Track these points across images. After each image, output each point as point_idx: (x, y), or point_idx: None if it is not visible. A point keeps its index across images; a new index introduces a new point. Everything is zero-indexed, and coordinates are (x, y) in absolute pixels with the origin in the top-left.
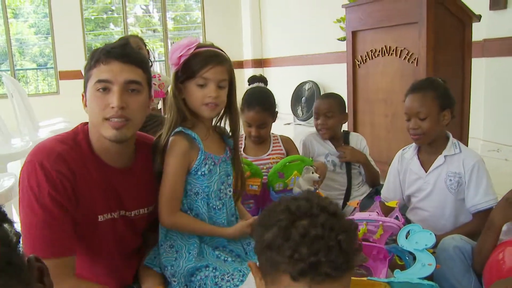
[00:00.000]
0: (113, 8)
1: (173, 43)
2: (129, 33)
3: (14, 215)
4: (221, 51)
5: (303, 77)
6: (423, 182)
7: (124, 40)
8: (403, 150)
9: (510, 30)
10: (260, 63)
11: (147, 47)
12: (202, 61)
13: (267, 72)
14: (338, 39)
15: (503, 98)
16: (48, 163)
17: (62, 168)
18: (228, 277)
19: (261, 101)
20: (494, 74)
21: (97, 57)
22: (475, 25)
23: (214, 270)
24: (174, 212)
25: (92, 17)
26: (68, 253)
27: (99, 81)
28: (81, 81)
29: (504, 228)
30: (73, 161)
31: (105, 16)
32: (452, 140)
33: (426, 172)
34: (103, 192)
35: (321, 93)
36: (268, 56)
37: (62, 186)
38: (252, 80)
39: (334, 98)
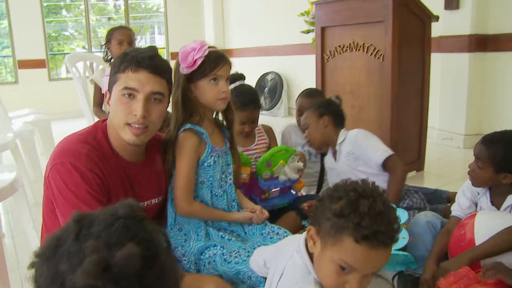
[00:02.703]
0: None
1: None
2: (90, 21)
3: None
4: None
5: (265, 68)
6: (338, 172)
7: (153, 50)
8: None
9: (462, 28)
10: None
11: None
12: (214, 61)
13: None
14: (302, 32)
15: (456, 91)
16: (80, 164)
17: (94, 167)
18: (235, 254)
19: (254, 100)
20: (448, 68)
21: (127, 63)
22: (433, 23)
23: (221, 249)
24: (191, 202)
25: (44, 4)
26: None
27: (126, 88)
28: (42, 70)
29: (467, 203)
30: (99, 160)
31: (62, 3)
32: (341, 132)
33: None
34: (123, 185)
35: (284, 84)
36: (230, 47)
37: (96, 184)
38: (233, 78)
39: (317, 97)
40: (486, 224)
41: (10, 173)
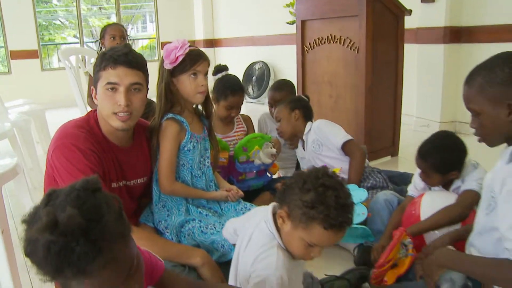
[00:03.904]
0: None
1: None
2: (82, 11)
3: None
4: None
5: (253, 57)
6: (307, 160)
7: (128, 47)
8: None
9: (438, 20)
10: (211, 43)
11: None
12: (194, 58)
13: (219, 52)
14: (288, 23)
15: (432, 80)
16: (80, 143)
17: (91, 146)
18: (211, 226)
19: (241, 86)
20: (425, 58)
21: (106, 62)
22: (411, 15)
23: (199, 222)
24: (172, 181)
25: None
26: None
27: (109, 83)
28: (35, 60)
29: (421, 185)
30: (94, 142)
31: None
32: (308, 125)
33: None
34: (113, 166)
35: (271, 73)
36: (219, 37)
37: (94, 159)
38: (218, 70)
39: (286, 89)
40: (431, 203)
41: (11, 158)
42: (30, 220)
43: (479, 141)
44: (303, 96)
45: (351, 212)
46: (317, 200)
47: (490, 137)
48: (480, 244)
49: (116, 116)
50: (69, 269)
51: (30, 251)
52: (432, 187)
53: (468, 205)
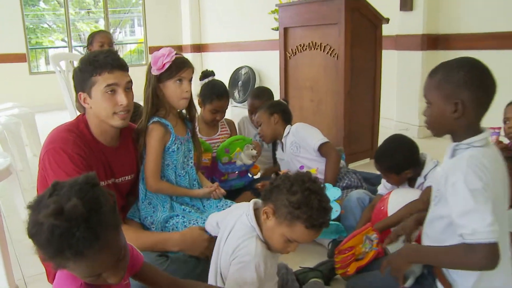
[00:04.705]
0: None
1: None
2: (70, 14)
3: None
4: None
5: (239, 62)
6: (286, 161)
7: (115, 52)
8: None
9: (416, 28)
10: (198, 48)
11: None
12: (179, 65)
13: (205, 57)
14: (272, 29)
15: (411, 85)
16: (68, 148)
17: (79, 151)
18: (193, 221)
19: (227, 91)
20: (404, 64)
21: (101, 68)
22: (389, 22)
23: (183, 217)
24: (158, 180)
25: None
26: None
27: (108, 85)
28: (23, 64)
29: (390, 184)
30: (82, 145)
31: None
32: (287, 128)
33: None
34: (102, 165)
35: (257, 78)
36: (206, 42)
37: (81, 163)
38: (205, 75)
39: (265, 96)
40: (397, 200)
41: (4, 158)
42: (35, 206)
43: (427, 128)
44: (282, 101)
45: (330, 215)
46: (303, 202)
47: (434, 127)
48: (430, 231)
49: (117, 116)
50: (68, 251)
51: (35, 233)
52: (398, 186)
53: (429, 200)
